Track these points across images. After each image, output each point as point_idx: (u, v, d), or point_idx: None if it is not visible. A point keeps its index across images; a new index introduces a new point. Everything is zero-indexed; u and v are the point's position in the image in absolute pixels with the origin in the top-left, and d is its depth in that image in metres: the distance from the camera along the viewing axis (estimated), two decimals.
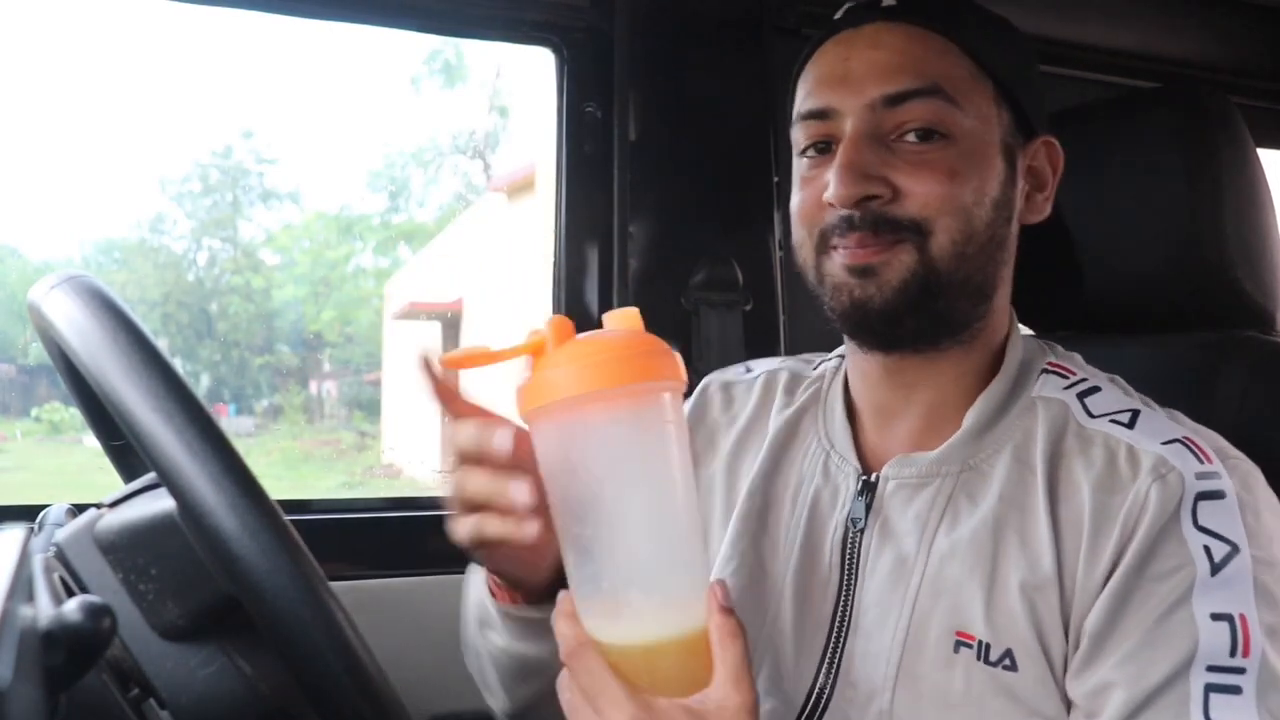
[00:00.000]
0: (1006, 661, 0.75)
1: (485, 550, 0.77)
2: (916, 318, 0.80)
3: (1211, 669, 0.70)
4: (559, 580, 0.83)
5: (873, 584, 0.83)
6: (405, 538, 1.41)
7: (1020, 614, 0.76)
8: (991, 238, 0.81)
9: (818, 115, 0.83)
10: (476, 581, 0.91)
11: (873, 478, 0.86)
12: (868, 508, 0.85)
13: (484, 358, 0.67)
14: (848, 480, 0.88)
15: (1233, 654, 0.70)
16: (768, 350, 1.48)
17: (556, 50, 1.50)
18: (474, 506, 0.73)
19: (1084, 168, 1.06)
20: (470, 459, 0.72)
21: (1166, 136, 1.00)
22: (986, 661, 0.76)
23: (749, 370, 1.03)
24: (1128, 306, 1.05)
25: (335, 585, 0.73)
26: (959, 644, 0.77)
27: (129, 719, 0.72)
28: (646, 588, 0.65)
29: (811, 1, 1.53)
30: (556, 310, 1.50)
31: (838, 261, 0.81)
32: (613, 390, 0.63)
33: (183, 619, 0.79)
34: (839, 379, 0.94)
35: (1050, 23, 1.72)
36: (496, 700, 0.96)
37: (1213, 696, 0.69)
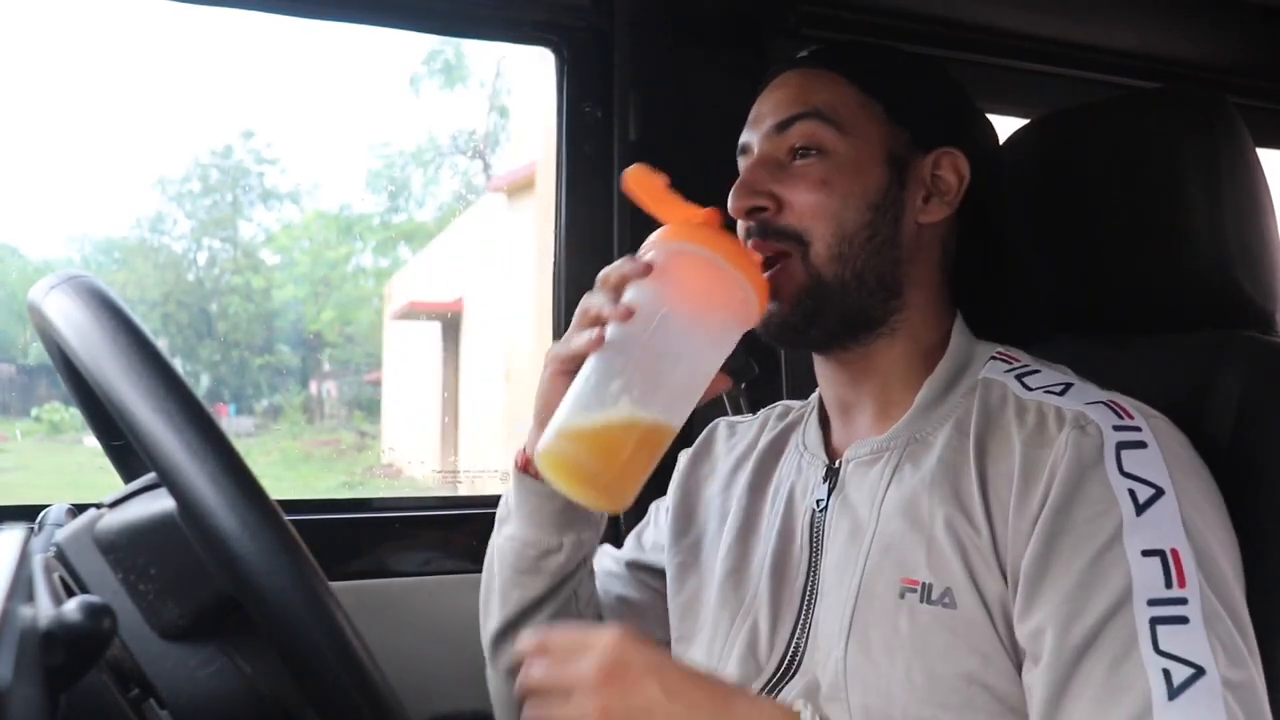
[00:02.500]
0: (946, 599, 0.82)
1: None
2: (819, 323, 0.93)
3: (1152, 603, 0.73)
4: None
5: (833, 552, 0.92)
6: (405, 538, 1.41)
7: (953, 555, 0.83)
8: (871, 236, 0.92)
9: (742, 151, 1.00)
10: (506, 489, 1.03)
11: (836, 464, 0.96)
12: (830, 490, 0.95)
13: (660, 198, 0.89)
14: (817, 472, 0.98)
15: (1168, 586, 0.74)
16: (767, 349, 1.48)
17: (556, 50, 1.50)
18: (591, 321, 0.87)
19: (1083, 168, 1.06)
20: (613, 284, 0.87)
21: (1166, 136, 1.00)
22: (929, 601, 0.83)
23: (754, 415, 1.15)
24: (1127, 307, 1.05)
25: (335, 585, 0.73)
26: (905, 590, 0.85)
27: (129, 719, 0.72)
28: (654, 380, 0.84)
29: (812, 1, 1.53)
30: (557, 312, 1.50)
31: None
32: (735, 268, 0.86)
33: (183, 619, 0.79)
34: (817, 398, 1.05)
35: (1050, 23, 1.72)
36: (489, 625, 1.05)
37: (1160, 629, 0.72)
